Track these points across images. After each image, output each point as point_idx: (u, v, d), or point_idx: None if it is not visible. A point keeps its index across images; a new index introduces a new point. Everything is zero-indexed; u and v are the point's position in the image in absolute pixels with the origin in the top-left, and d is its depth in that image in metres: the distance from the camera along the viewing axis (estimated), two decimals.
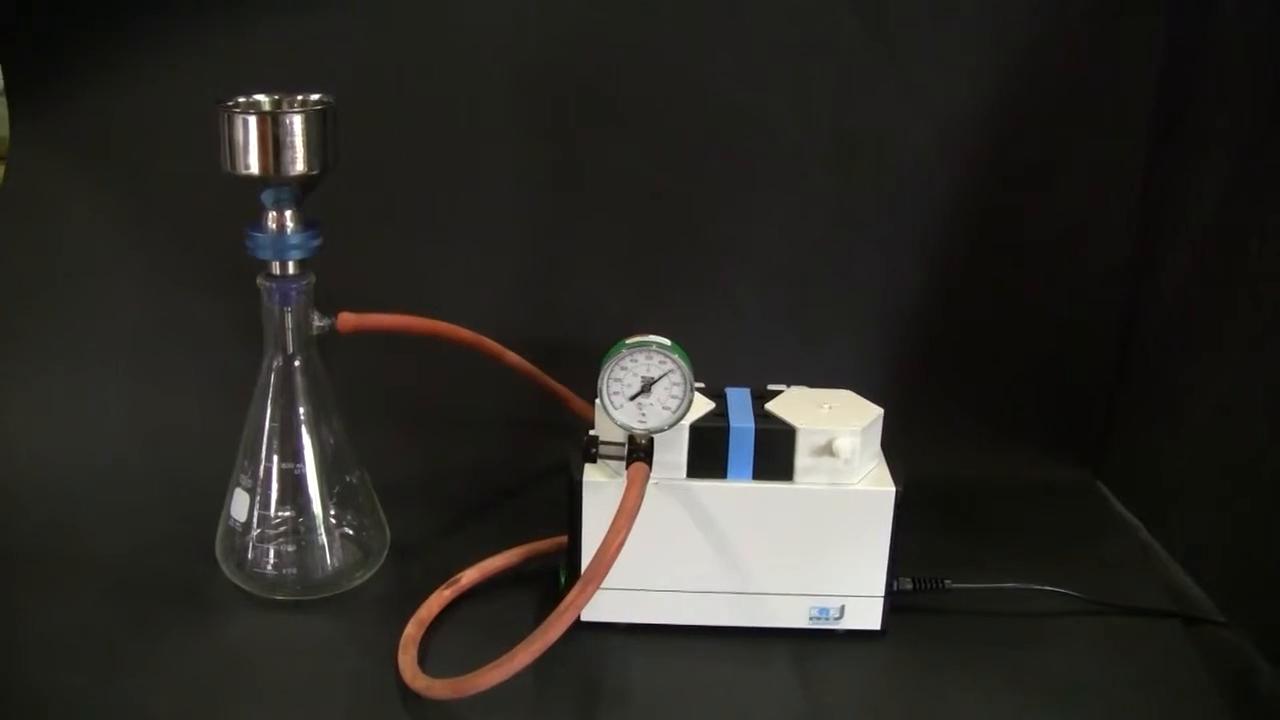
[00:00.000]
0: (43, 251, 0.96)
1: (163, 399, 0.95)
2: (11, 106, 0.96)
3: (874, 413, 0.73)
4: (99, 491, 0.89)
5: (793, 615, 0.74)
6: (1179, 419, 0.87)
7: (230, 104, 0.71)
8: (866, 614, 0.74)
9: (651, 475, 0.69)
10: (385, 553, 0.81)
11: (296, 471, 0.77)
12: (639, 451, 0.69)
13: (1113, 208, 0.93)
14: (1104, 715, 0.69)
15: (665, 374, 0.69)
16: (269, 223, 0.73)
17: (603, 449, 0.71)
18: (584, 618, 0.71)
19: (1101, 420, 0.96)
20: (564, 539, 0.74)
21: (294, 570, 0.77)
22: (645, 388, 0.69)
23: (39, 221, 0.96)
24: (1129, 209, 0.93)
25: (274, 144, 0.70)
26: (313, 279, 0.75)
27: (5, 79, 0.96)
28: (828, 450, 0.70)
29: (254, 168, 0.70)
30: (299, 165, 0.70)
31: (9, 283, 0.96)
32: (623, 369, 0.69)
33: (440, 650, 0.72)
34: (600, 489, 0.71)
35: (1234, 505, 0.80)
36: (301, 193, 0.73)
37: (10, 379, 0.94)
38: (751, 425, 0.71)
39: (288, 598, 0.77)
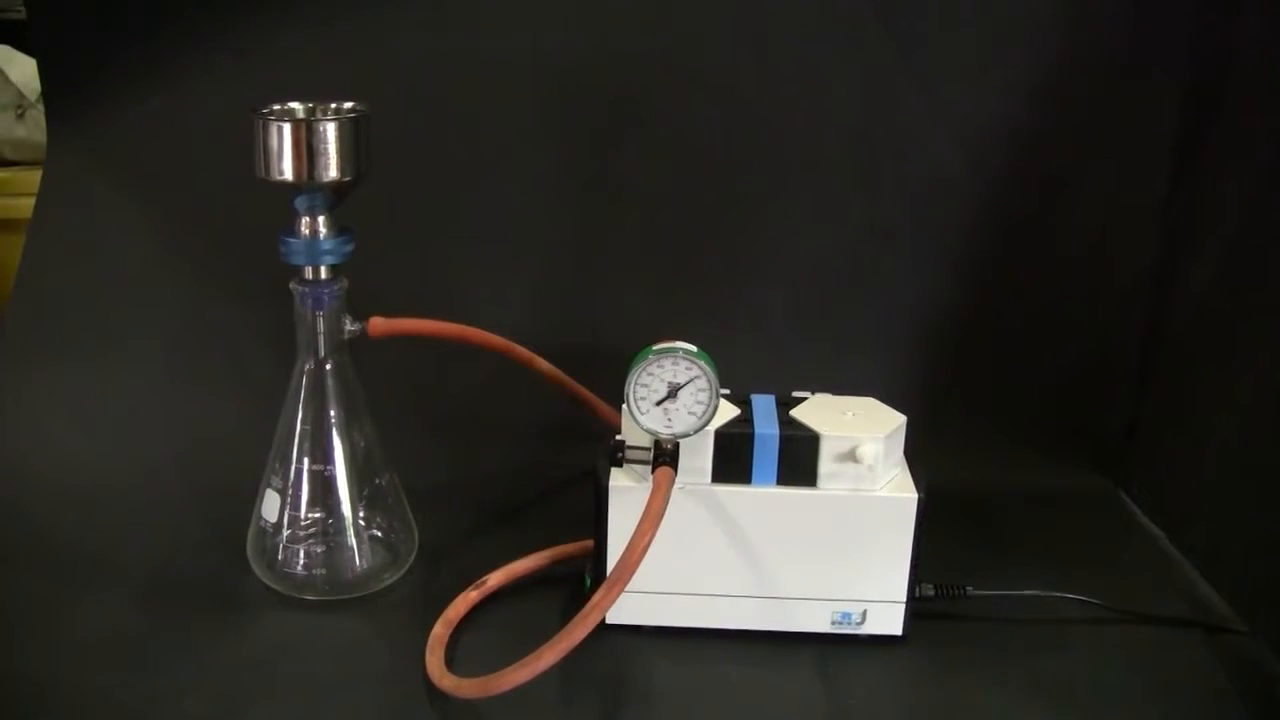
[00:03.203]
0: (77, 256, 0.97)
1: (196, 402, 0.96)
2: (49, 114, 0.98)
3: (897, 420, 0.73)
4: (133, 492, 0.90)
5: (815, 619, 0.74)
6: (1202, 428, 0.87)
7: (265, 111, 0.72)
8: (888, 619, 0.74)
9: (677, 480, 0.70)
10: (414, 554, 0.82)
11: (327, 473, 0.78)
12: (665, 456, 0.70)
13: (1136, 217, 0.93)
14: None
15: (691, 380, 0.69)
16: (302, 228, 0.74)
17: (629, 453, 0.72)
18: (609, 620, 0.72)
19: (1124, 429, 0.96)
20: (589, 542, 0.75)
21: (323, 571, 0.78)
22: (671, 393, 0.70)
23: (74, 227, 0.97)
24: (1153, 218, 0.93)
25: (308, 151, 0.71)
26: (345, 284, 0.76)
27: (44, 87, 0.97)
28: (851, 457, 0.71)
29: (288, 174, 0.71)
30: (332, 172, 0.71)
31: (44, 287, 0.97)
32: (649, 375, 0.70)
33: (467, 651, 0.73)
34: (626, 493, 0.72)
35: (1257, 514, 0.80)
36: (335, 199, 0.74)
37: (46, 383, 0.95)
38: (776, 431, 0.71)
39: (317, 598, 0.78)
